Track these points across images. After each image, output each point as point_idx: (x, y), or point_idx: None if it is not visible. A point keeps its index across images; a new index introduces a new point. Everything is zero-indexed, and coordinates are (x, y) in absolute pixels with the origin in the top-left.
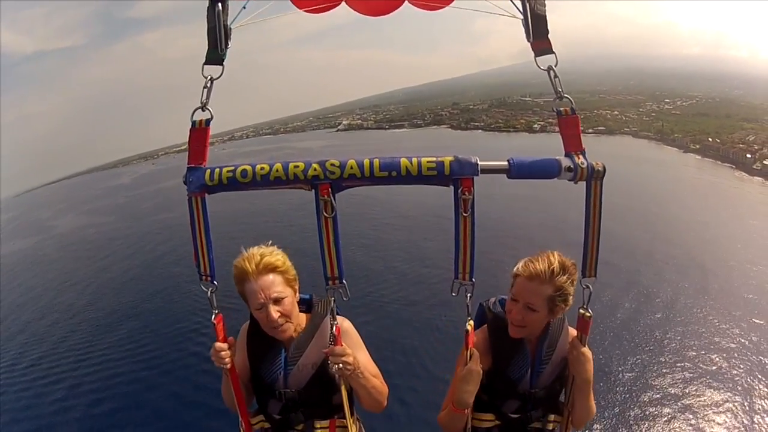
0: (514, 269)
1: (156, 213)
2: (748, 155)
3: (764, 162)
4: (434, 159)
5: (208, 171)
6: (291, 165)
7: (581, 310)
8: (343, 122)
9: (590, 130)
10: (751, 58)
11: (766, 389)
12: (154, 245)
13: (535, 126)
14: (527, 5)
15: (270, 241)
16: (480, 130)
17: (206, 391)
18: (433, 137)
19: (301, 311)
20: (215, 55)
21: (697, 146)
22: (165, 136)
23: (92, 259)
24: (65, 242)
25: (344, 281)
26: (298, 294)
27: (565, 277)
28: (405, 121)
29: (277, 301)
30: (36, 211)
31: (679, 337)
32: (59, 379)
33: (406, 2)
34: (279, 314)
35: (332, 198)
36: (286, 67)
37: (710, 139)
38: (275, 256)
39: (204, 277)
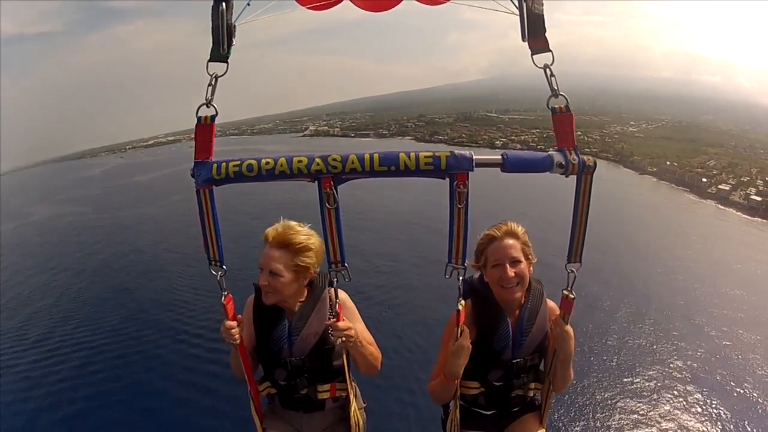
0: (480, 240)
1: (133, 206)
2: (704, 179)
3: (719, 186)
4: (431, 154)
5: (215, 165)
6: (295, 159)
7: (565, 292)
8: (310, 128)
9: (549, 150)
10: (724, 84)
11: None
12: (134, 237)
13: (498, 142)
14: (524, 4)
15: (310, 224)
16: (443, 144)
17: (212, 363)
18: (396, 149)
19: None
20: (219, 52)
21: (654, 169)
22: (132, 129)
23: (75, 247)
24: (44, 230)
25: (346, 264)
26: (306, 279)
27: (522, 230)
28: (371, 130)
29: (273, 274)
30: (8, 197)
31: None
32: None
33: None
34: (267, 283)
35: (334, 190)
36: (255, 69)
37: (668, 163)
38: (298, 236)
39: (214, 263)
